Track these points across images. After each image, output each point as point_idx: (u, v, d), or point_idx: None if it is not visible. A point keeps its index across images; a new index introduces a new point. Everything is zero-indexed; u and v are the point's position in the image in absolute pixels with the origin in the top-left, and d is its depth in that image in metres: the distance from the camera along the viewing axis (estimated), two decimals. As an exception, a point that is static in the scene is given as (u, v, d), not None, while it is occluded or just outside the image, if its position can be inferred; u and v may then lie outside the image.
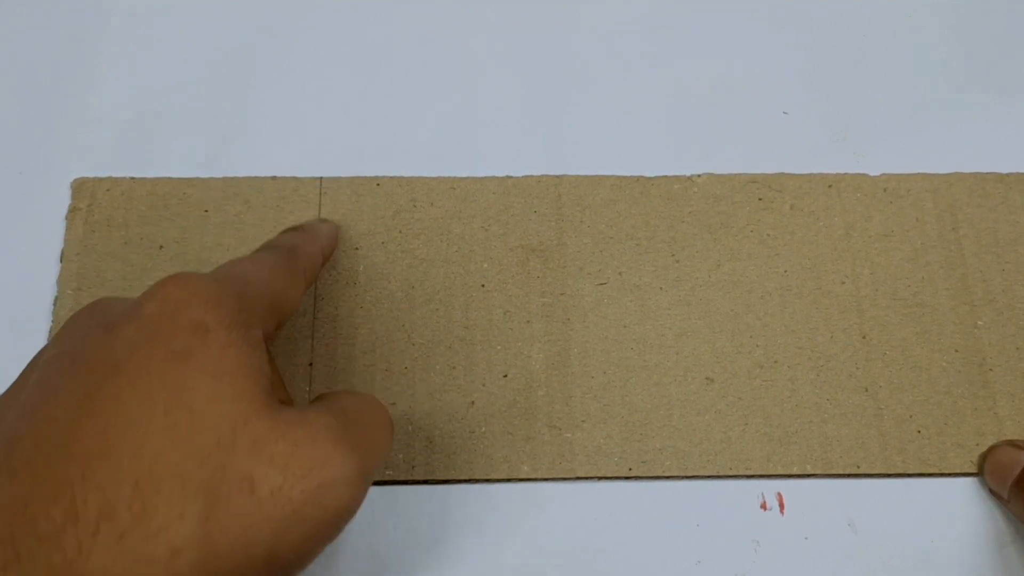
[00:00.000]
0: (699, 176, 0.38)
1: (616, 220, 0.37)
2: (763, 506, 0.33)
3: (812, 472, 0.33)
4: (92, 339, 0.24)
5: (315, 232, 0.35)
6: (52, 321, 0.35)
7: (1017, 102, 0.40)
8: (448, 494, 0.33)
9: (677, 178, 0.38)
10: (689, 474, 0.33)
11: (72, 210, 0.36)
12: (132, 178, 0.37)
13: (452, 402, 0.34)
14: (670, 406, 0.34)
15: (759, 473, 0.33)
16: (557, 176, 0.38)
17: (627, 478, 0.33)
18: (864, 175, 0.38)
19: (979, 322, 0.36)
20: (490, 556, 0.32)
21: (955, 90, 0.40)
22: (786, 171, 0.38)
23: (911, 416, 0.34)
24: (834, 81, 0.40)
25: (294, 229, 0.35)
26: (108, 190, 0.37)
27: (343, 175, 0.38)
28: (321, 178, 0.37)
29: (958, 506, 0.33)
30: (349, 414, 0.26)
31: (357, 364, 0.34)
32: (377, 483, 0.33)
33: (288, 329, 0.34)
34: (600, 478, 0.33)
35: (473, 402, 0.34)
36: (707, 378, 0.34)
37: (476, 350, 0.35)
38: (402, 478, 0.33)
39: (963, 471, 0.33)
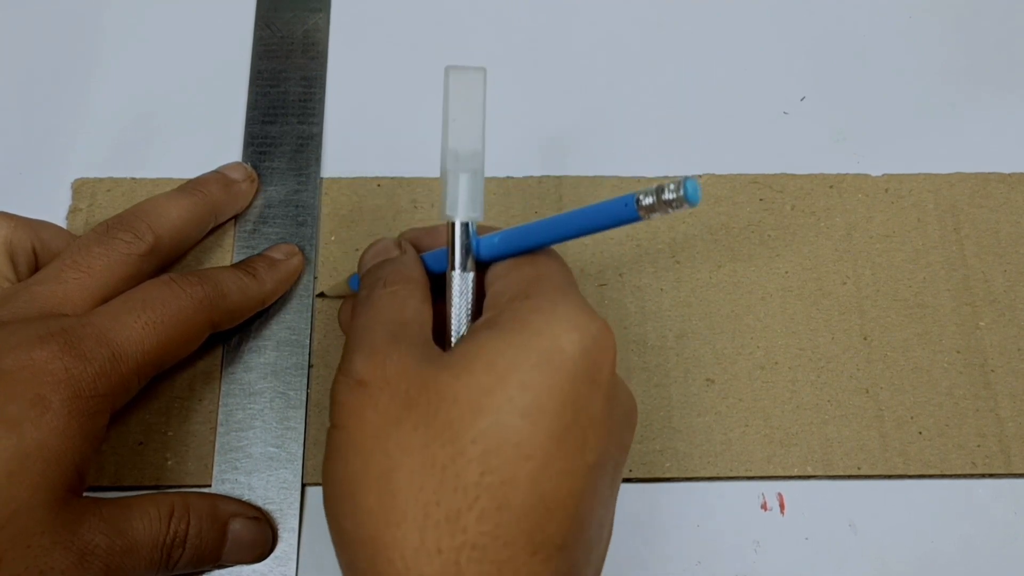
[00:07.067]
0: (699, 177, 0.38)
1: (617, 221, 0.37)
2: (763, 507, 0.33)
3: (813, 473, 0.33)
4: None
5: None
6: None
7: (1019, 101, 0.40)
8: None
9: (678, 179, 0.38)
10: (689, 475, 0.33)
11: (72, 210, 0.36)
12: (133, 178, 0.37)
13: (452, 403, 0.34)
14: (670, 407, 0.34)
15: (760, 474, 0.33)
16: (558, 177, 0.38)
17: (627, 480, 0.33)
18: (865, 175, 0.38)
19: (981, 323, 0.35)
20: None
21: (956, 90, 0.40)
22: (787, 171, 0.38)
23: (912, 417, 0.34)
24: (834, 81, 0.40)
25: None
26: (108, 190, 0.37)
27: (344, 175, 0.38)
28: (322, 178, 0.37)
29: (959, 507, 0.33)
30: (124, 536, 0.27)
31: (357, 365, 0.34)
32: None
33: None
34: (600, 479, 0.33)
35: (473, 403, 0.34)
36: (708, 379, 0.34)
37: (476, 351, 0.35)
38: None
39: (964, 472, 0.33)
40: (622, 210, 0.24)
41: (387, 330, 0.25)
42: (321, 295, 0.35)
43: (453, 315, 0.27)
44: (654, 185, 0.23)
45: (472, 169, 0.27)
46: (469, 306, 0.27)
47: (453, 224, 0.27)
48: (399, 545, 0.22)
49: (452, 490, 0.22)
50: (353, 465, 0.24)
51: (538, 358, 0.23)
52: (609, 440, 0.24)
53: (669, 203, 0.23)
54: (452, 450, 0.23)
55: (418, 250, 0.30)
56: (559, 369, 0.23)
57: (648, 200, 0.23)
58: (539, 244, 0.27)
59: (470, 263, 0.27)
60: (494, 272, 0.27)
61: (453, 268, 0.27)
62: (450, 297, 0.27)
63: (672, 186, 0.23)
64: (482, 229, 0.29)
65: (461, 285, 0.27)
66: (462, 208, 0.27)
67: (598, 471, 0.24)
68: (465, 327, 0.27)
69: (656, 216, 0.24)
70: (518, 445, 0.23)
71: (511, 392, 0.23)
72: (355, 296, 0.29)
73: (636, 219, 0.24)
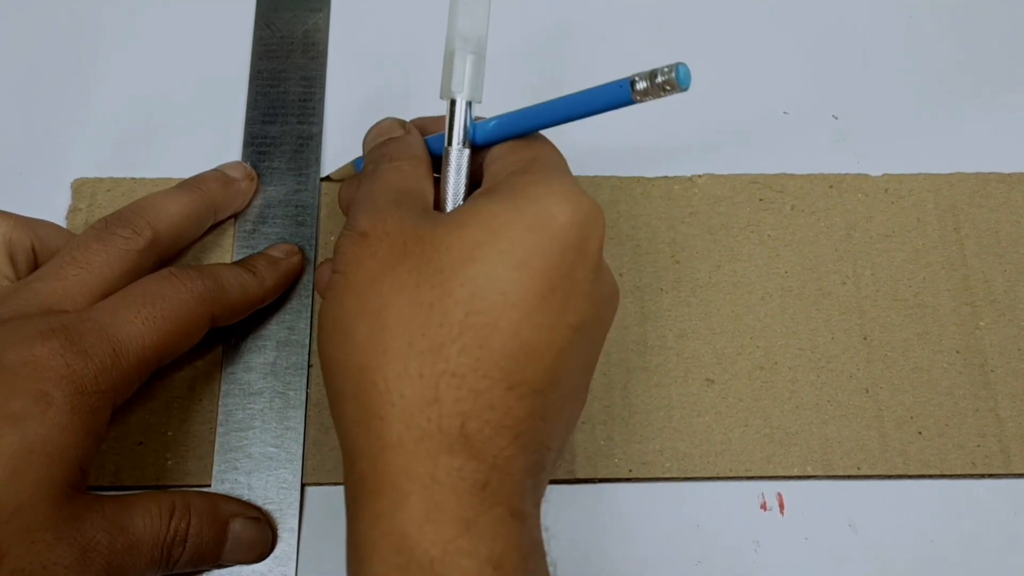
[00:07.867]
0: (699, 177, 0.38)
1: (617, 221, 0.37)
2: (763, 507, 0.33)
3: (812, 473, 0.33)
4: None
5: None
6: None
7: (1019, 101, 0.40)
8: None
9: (677, 179, 0.38)
10: (689, 475, 0.33)
11: (72, 210, 0.36)
12: (132, 178, 0.37)
13: (452, 403, 0.34)
14: (670, 407, 0.34)
15: (759, 474, 0.33)
16: (557, 176, 0.38)
17: (627, 480, 0.33)
18: (865, 175, 0.38)
19: (980, 323, 0.35)
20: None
21: (956, 90, 0.40)
22: (787, 171, 0.38)
23: (912, 417, 0.34)
24: (834, 81, 0.40)
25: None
26: (108, 190, 0.37)
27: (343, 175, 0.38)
28: (321, 178, 0.37)
29: (958, 507, 0.33)
30: (126, 534, 0.27)
31: (357, 365, 0.34)
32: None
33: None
34: (600, 480, 0.33)
35: (473, 403, 0.34)
36: (707, 379, 0.34)
37: (476, 351, 0.35)
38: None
39: (964, 473, 0.33)
40: (616, 92, 0.25)
41: (390, 196, 0.27)
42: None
43: (450, 189, 0.28)
44: (647, 69, 0.24)
45: (477, 52, 0.29)
46: (464, 181, 0.29)
47: (454, 102, 0.29)
48: (383, 369, 0.24)
49: (438, 325, 0.24)
50: (349, 304, 0.25)
51: (531, 221, 0.25)
52: (591, 310, 0.26)
53: (661, 86, 0.24)
54: (440, 291, 0.24)
55: (422, 134, 0.31)
56: (550, 234, 0.25)
57: (642, 84, 0.24)
58: (534, 128, 0.28)
59: (468, 141, 0.29)
60: (491, 155, 0.29)
61: (451, 144, 0.29)
62: (446, 172, 0.28)
63: (665, 69, 0.24)
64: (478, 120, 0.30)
65: (458, 160, 0.29)
66: (466, 87, 0.29)
67: (578, 334, 0.26)
68: (460, 200, 0.28)
69: (649, 100, 0.25)
70: (504, 294, 0.24)
71: (502, 246, 0.25)
72: (359, 176, 0.31)
73: (629, 102, 0.25)
